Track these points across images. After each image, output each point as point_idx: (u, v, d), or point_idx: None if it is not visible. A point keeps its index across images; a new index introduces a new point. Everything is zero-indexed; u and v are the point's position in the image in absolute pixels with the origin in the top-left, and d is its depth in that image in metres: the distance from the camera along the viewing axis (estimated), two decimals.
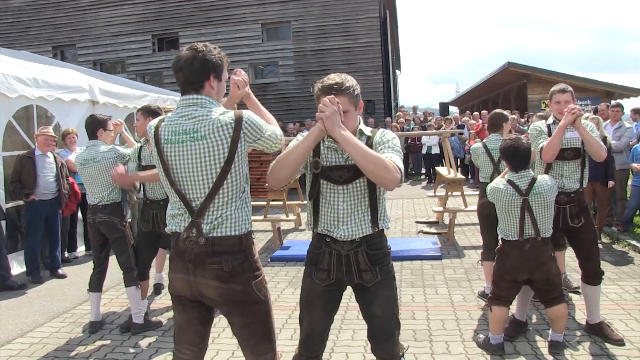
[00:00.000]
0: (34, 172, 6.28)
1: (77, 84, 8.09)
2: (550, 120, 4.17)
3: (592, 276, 3.96)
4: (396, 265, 6.17)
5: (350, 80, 2.43)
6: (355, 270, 2.46)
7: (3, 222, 6.14)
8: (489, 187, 3.91)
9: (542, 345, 3.86)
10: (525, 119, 13.98)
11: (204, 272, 2.26)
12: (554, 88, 4.17)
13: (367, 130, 2.49)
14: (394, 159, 2.30)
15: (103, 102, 8.52)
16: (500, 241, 3.84)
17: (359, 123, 2.51)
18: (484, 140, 5.10)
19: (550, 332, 3.82)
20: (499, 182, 3.81)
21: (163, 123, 2.34)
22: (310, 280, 2.55)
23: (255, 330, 2.34)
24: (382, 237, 2.52)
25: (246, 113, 2.31)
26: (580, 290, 4.51)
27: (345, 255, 2.45)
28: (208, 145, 2.22)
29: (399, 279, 5.68)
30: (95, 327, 4.51)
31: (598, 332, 3.96)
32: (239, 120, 2.24)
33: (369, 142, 2.43)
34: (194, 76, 2.32)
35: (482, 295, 4.93)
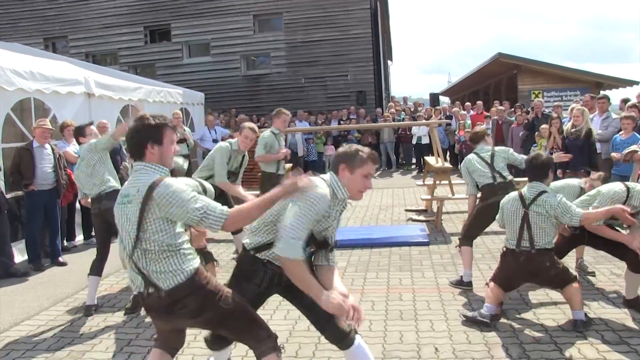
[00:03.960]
0: (33, 163, 6.45)
1: (73, 76, 8.25)
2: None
3: (636, 265, 4.17)
4: (385, 250, 6.45)
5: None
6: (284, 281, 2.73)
7: (5, 212, 6.32)
8: (503, 199, 4.27)
9: (520, 322, 4.12)
10: (513, 110, 14.19)
11: (176, 318, 2.56)
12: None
13: None
14: (287, 252, 2.48)
15: (99, 95, 8.68)
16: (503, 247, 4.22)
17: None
18: (474, 151, 5.37)
19: (572, 313, 4.02)
20: (513, 192, 4.24)
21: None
22: (240, 290, 2.77)
23: (240, 330, 2.66)
24: None
25: (165, 182, 2.45)
26: (594, 273, 5.15)
27: (279, 273, 2.73)
28: (130, 210, 2.49)
29: (387, 263, 5.94)
30: (89, 311, 4.73)
31: (634, 305, 4.29)
32: (150, 188, 2.42)
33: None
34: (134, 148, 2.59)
35: (458, 283, 5.08)
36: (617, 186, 4.23)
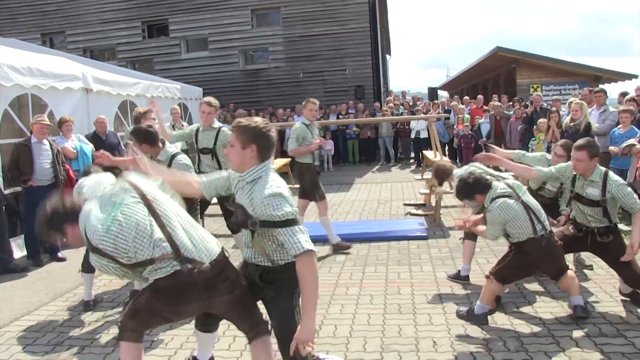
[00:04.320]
0: (31, 159, 6.44)
1: (71, 72, 8.24)
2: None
3: (634, 282, 4.18)
4: (384, 244, 6.46)
5: (246, 122, 2.64)
6: (254, 287, 2.78)
7: (3, 208, 6.32)
8: (499, 204, 4.02)
9: (518, 316, 4.14)
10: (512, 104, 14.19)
11: (217, 292, 2.64)
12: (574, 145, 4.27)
13: (251, 176, 2.62)
14: (297, 246, 2.43)
15: (96, 90, 8.67)
16: (514, 245, 4.09)
17: (253, 167, 2.63)
18: None
19: (571, 299, 4.08)
20: (500, 199, 4.02)
21: None
22: None
23: (247, 311, 2.81)
24: (282, 268, 2.70)
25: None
26: (592, 267, 5.17)
27: (251, 275, 2.80)
28: None
29: (386, 257, 5.95)
30: (88, 306, 4.76)
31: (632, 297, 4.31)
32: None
33: (251, 190, 2.60)
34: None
35: (456, 277, 5.08)
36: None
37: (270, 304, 2.76)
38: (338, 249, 6.29)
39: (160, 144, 4.67)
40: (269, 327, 2.80)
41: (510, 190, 4.06)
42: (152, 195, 2.65)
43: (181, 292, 2.57)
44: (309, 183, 6.32)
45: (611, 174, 4.19)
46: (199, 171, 5.65)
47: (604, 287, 4.71)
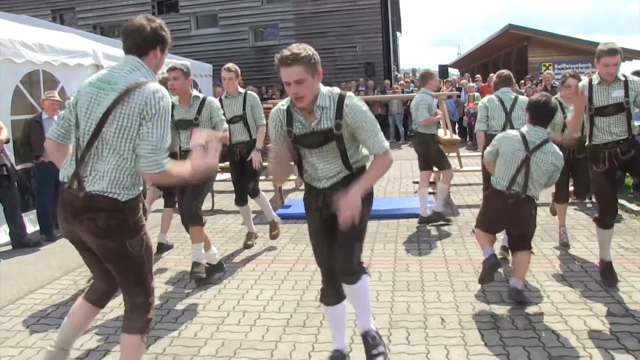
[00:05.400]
0: (42, 135, 6.47)
1: (81, 48, 8.23)
2: (595, 81, 4.14)
3: None
4: (393, 222, 6.48)
5: (306, 51, 2.64)
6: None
7: (15, 184, 6.39)
8: (500, 134, 4.18)
9: (526, 294, 4.15)
10: (524, 82, 14.04)
11: (80, 224, 2.47)
12: (601, 48, 4.01)
13: (327, 101, 2.74)
14: (378, 147, 2.75)
15: (107, 66, 8.64)
16: (490, 186, 4.12)
17: (319, 91, 2.75)
18: (496, 93, 5.54)
19: (510, 279, 4.08)
20: (512, 131, 4.12)
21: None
22: (311, 217, 2.98)
23: (129, 277, 2.59)
24: (362, 170, 2.91)
25: (150, 87, 2.45)
26: (565, 244, 5.19)
27: (330, 196, 2.82)
28: (105, 98, 2.45)
29: (395, 235, 5.97)
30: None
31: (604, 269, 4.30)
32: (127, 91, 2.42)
33: (339, 113, 2.71)
34: (143, 42, 2.55)
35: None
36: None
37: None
38: (439, 219, 6.40)
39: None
40: (150, 309, 2.67)
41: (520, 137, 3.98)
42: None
43: (58, 205, 2.61)
44: (435, 153, 6.42)
45: (629, 74, 4.18)
46: (231, 142, 5.48)
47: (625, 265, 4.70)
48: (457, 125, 14.38)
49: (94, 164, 2.46)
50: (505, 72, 5.75)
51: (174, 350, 3.50)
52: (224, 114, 4.98)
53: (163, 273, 5.03)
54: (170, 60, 11.57)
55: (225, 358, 3.35)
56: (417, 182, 9.08)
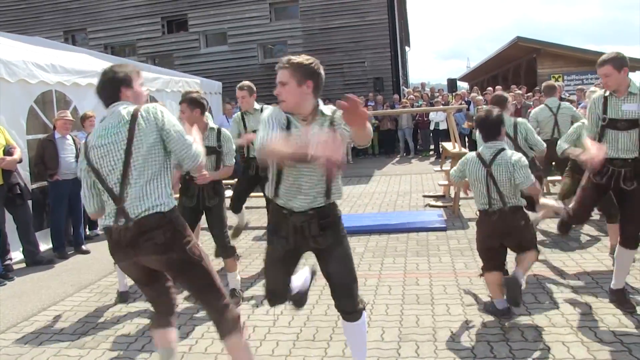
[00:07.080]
0: (56, 154, 6.60)
1: (93, 68, 8.37)
2: (608, 92, 3.92)
3: (630, 239, 3.92)
4: (403, 236, 6.48)
5: (303, 59, 2.69)
6: (309, 236, 2.75)
7: (30, 202, 6.48)
8: (461, 159, 4.17)
9: (535, 306, 4.14)
10: (532, 94, 14.04)
11: (141, 251, 2.57)
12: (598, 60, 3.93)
13: (328, 111, 2.77)
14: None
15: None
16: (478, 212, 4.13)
17: (318, 104, 2.77)
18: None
19: (514, 269, 3.98)
20: (470, 154, 4.14)
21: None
22: (274, 244, 2.85)
23: (202, 284, 2.72)
24: (334, 207, 2.83)
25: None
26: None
27: (300, 225, 2.74)
28: (120, 135, 2.60)
29: (405, 248, 5.98)
30: (124, 297, 4.84)
31: (617, 298, 4.04)
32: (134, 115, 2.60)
33: (331, 119, 2.73)
34: (111, 89, 2.75)
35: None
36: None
37: (329, 250, 2.77)
38: None
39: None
40: (236, 322, 2.76)
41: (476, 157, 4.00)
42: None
43: (111, 249, 2.70)
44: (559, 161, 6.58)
45: None
46: (248, 156, 5.64)
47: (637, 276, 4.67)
48: (466, 139, 14.37)
49: (130, 194, 2.57)
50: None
51: None
52: (245, 128, 5.24)
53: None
54: (180, 78, 11.75)
55: None
56: (427, 196, 9.12)
